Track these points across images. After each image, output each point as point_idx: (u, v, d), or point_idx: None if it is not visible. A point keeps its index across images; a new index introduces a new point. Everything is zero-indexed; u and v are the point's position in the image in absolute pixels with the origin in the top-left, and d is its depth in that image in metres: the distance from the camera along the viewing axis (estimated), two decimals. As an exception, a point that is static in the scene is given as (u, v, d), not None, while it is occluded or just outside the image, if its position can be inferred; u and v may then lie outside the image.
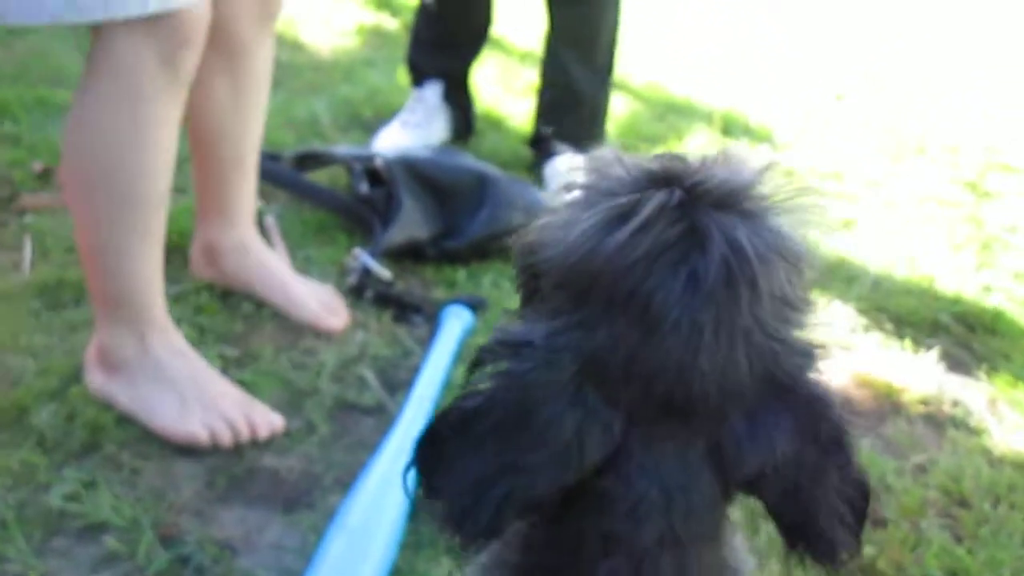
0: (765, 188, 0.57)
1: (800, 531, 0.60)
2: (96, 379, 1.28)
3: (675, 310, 0.54)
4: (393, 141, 2.05)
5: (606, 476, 0.57)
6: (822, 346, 0.59)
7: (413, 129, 2.09)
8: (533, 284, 0.61)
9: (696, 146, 2.29)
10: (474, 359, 0.59)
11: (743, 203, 0.56)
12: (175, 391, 1.25)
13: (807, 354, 0.58)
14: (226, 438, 1.23)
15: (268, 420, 1.27)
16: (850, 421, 0.60)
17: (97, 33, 1.11)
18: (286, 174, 1.84)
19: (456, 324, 1.49)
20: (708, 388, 0.55)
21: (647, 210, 0.54)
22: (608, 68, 2.06)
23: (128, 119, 1.13)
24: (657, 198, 0.54)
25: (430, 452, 0.58)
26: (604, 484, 0.57)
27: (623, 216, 0.55)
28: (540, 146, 2.09)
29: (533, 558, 0.62)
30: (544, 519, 0.60)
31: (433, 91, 2.13)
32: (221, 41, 1.33)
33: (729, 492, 0.60)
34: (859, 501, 0.61)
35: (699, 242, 0.54)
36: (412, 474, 0.59)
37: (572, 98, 2.04)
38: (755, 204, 0.56)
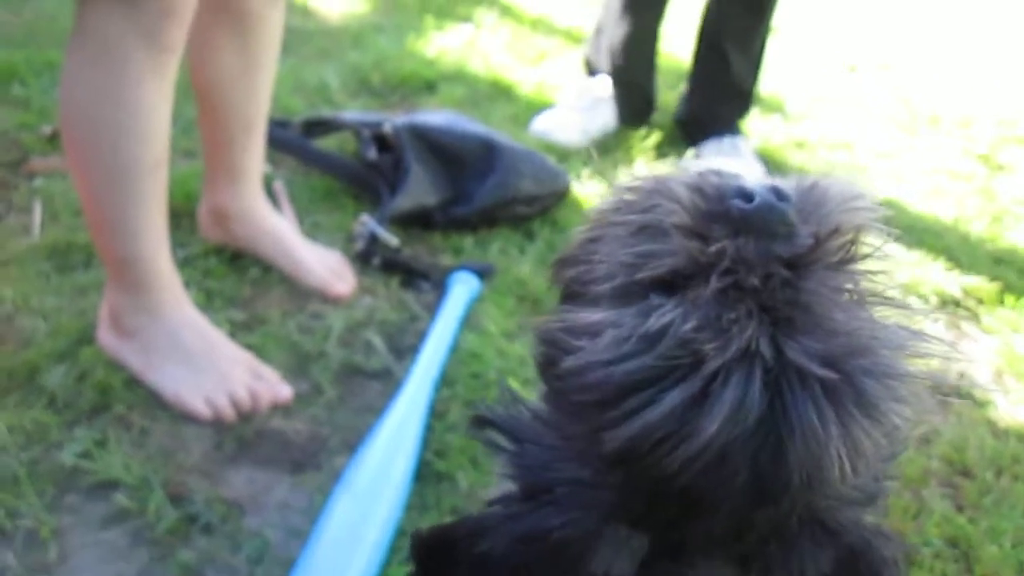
0: (858, 343, 0.46)
1: None
2: (107, 338, 1.30)
3: (728, 507, 0.47)
4: (556, 123, 2.07)
5: None
6: (884, 491, 0.54)
7: (580, 113, 2.11)
8: (553, 376, 0.52)
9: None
10: (476, 419, 0.55)
11: (834, 368, 0.45)
12: (185, 363, 1.26)
13: (868, 502, 0.54)
14: (229, 414, 1.24)
15: (275, 391, 1.27)
16: (897, 560, 0.55)
17: (80, 5, 1.09)
18: (294, 141, 1.84)
19: (463, 290, 1.50)
20: (752, 539, 0.51)
21: (723, 410, 0.44)
22: (762, 53, 2.09)
23: (114, 87, 1.12)
24: (733, 392, 0.44)
25: (440, 573, 0.56)
26: None
27: (695, 403, 0.45)
28: (690, 128, 2.13)
29: None
30: None
31: (602, 83, 2.14)
32: (230, 8, 1.32)
33: None
34: None
35: (775, 439, 0.45)
36: None
37: (730, 88, 2.09)
38: (856, 380, 0.45)
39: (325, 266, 1.51)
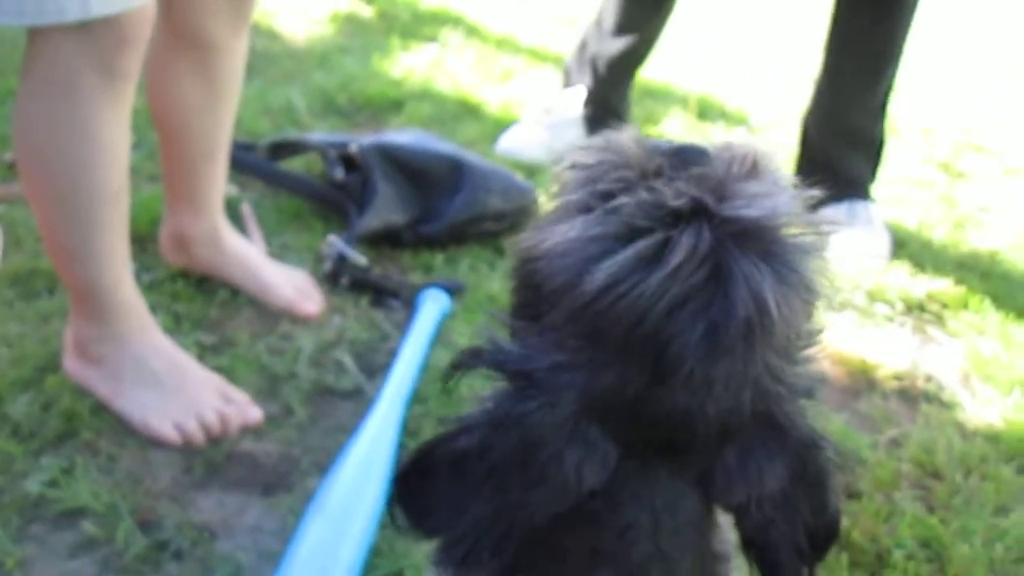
0: (793, 225, 0.54)
1: (760, 553, 0.62)
2: (73, 365, 1.28)
3: (690, 362, 0.52)
4: (522, 140, 2.06)
5: (597, 498, 0.57)
6: (822, 379, 0.60)
7: (546, 130, 2.07)
8: (531, 295, 0.58)
9: (672, 129, 2.30)
10: (456, 361, 0.57)
11: (771, 244, 0.53)
12: (153, 388, 1.24)
13: (807, 393, 0.58)
14: (198, 438, 1.23)
15: (244, 414, 1.26)
16: (838, 464, 0.60)
17: (31, 34, 1.08)
18: (260, 164, 1.83)
19: (433, 307, 1.49)
20: (709, 429, 0.55)
21: (676, 258, 0.51)
22: (888, 96, 1.86)
23: (68, 118, 1.10)
24: (686, 242, 0.51)
25: (416, 488, 0.57)
26: (595, 506, 0.57)
27: (649, 259, 0.51)
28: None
29: (516, 562, 0.60)
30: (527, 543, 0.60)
31: (576, 95, 2.11)
32: (192, 41, 1.31)
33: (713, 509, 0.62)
34: (824, 537, 0.62)
35: (723, 291, 0.51)
36: (397, 507, 0.58)
37: (850, 139, 1.87)
38: (782, 245, 0.53)
39: (292, 286, 1.50)
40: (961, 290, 1.74)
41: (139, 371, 1.25)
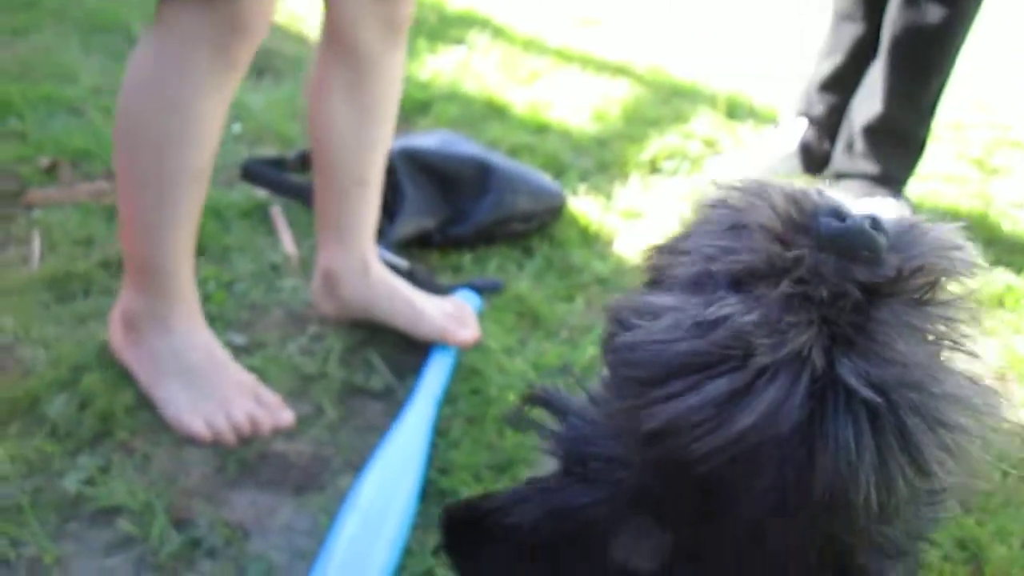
0: (925, 374, 0.46)
1: None
2: (116, 340, 1.30)
3: (747, 515, 0.47)
4: (735, 167, 2.02)
5: None
6: (928, 539, 0.53)
7: (764, 162, 2.04)
8: (608, 359, 0.53)
9: (701, 128, 2.28)
10: (528, 396, 0.57)
11: (882, 395, 0.45)
12: (188, 382, 1.26)
13: (892, 556, 0.51)
14: (228, 437, 1.24)
15: (275, 417, 1.26)
16: None
17: (159, 3, 1.11)
18: (287, 183, 1.80)
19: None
20: (768, 566, 0.50)
21: (757, 410, 0.44)
22: (937, 100, 1.85)
23: (172, 90, 1.13)
24: (774, 395, 0.44)
25: (468, 546, 0.57)
26: None
27: (726, 403, 0.45)
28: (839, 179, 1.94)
29: None
30: None
31: (796, 127, 2.05)
32: (345, 52, 1.27)
33: None
34: None
35: (806, 454, 0.44)
36: (449, 556, 0.58)
37: (894, 137, 1.87)
38: (893, 398, 0.45)
39: (443, 313, 1.44)
40: (996, 288, 1.71)
41: (177, 361, 1.26)
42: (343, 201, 1.37)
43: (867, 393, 0.44)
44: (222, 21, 1.08)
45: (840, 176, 1.95)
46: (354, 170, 1.35)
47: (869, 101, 1.88)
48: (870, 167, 1.90)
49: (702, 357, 0.46)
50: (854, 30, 1.93)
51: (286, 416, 1.27)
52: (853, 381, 0.44)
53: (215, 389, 1.26)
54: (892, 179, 1.90)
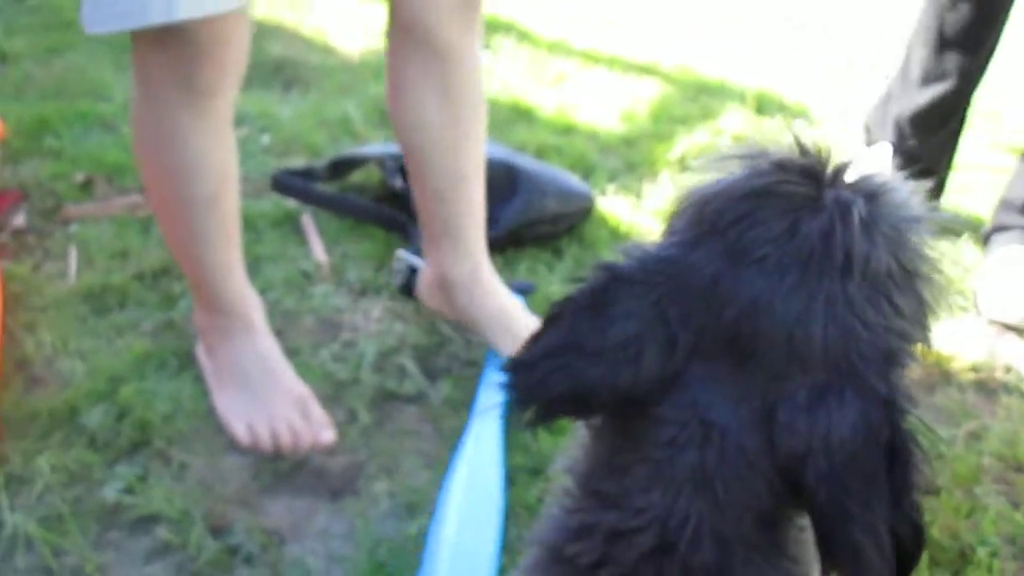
0: (904, 196, 0.59)
1: (833, 540, 0.55)
2: (199, 350, 1.36)
3: (766, 247, 0.55)
4: None
5: (661, 404, 0.57)
6: (916, 353, 0.58)
7: None
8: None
9: (730, 125, 2.26)
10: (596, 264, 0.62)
11: (876, 194, 0.57)
12: (240, 387, 1.28)
13: (893, 352, 0.56)
14: (267, 445, 1.24)
15: (317, 435, 1.25)
16: (926, 446, 0.56)
17: (131, 42, 1.12)
18: (317, 193, 1.80)
19: None
20: (776, 335, 0.55)
21: (779, 164, 0.57)
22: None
23: (155, 128, 1.15)
24: (796, 162, 0.58)
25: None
26: (658, 411, 0.58)
27: (756, 171, 0.58)
28: None
29: (594, 485, 0.62)
30: (606, 443, 0.62)
31: (880, 153, 1.88)
32: (419, 44, 1.22)
33: (776, 483, 0.56)
34: (908, 540, 0.55)
35: (814, 203, 0.56)
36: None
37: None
38: (887, 197, 0.57)
39: None
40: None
41: (235, 370, 1.29)
42: (444, 203, 1.31)
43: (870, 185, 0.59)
44: (178, 55, 1.06)
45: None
46: (450, 167, 1.29)
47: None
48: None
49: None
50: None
51: (327, 436, 1.26)
52: (860, 180, 0.58)
53: (263, 397, 1.27)
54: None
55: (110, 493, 1.18)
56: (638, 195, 1.92)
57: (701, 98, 2.43)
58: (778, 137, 0.61)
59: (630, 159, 2.08)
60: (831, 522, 0.55)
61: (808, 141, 0.60)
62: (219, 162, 1.19)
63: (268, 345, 1.32)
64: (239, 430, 1.25)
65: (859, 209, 0.55)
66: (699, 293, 0.57)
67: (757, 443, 0.56)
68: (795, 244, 0.55)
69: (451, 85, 1.24)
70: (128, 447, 1.25)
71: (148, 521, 1.15)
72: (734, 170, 0.59)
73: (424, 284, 1.43)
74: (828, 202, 0.56)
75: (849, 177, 0.58)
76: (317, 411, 1.28)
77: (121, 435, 1.27)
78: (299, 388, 1.30)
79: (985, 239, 1.77)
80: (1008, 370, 1.46)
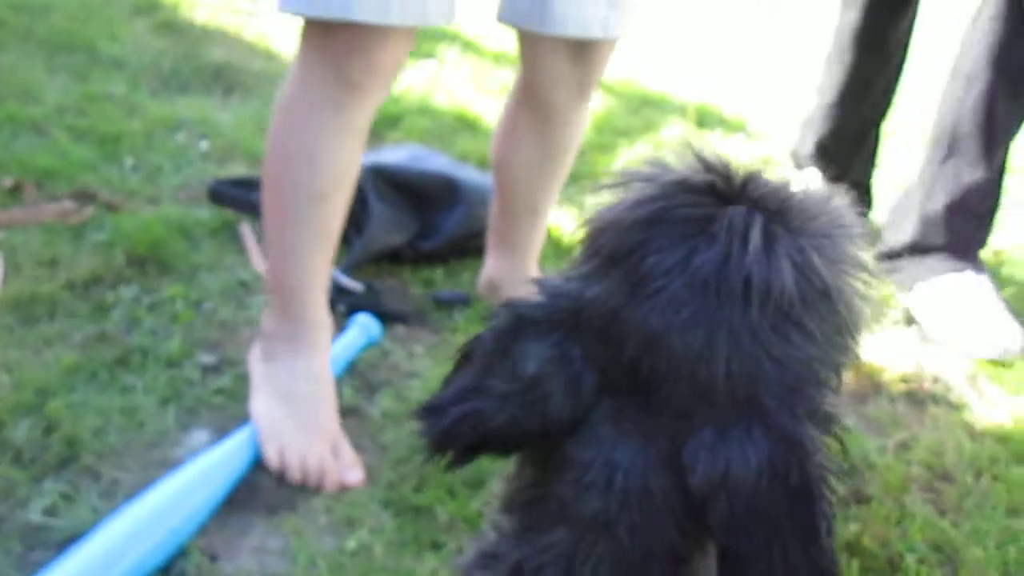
0: (814, 209, 0.55)
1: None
2: (252, 352, 1.34)
3: (660, 279, 0.52)
4: None
5: (570, 442, 0.57)
6: (834, 385, 0.55)
7: None
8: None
9: (671, 138, 2.30)
10: (505, 303, 0.62)
11: (782, 210, 0.54)
12: (284, 409, 1.25)
13: (804, 383, 0.53)
14: (294, 476, 1.21)
15: (343, 475, 1.22)
16: (829, 497, 0.53)
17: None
18: (256, 203, 1.76)
19: (358, 333, 1.46)
20: (679, 371, 0.52)
21: (678, 184, 0.55)
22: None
23: (293, 111, 1.17)
24: (695, 180, 0.55)
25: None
26: (567, 448, 0.57)
27: (647, 197, 0.56)
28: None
29: (516, 528, 0.61)
30: (526, 473, 0.61)
31: (810, 178, 1.90)
32: (536, 104, 1.38)
33: (688, 524, 0.55)
34: None
35: (711, 225, 0.53)
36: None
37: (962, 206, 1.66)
38: (795, 212, 0.54)
39: None
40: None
41: (286, 381, 1.26)
42: (517, 226, 1.51)
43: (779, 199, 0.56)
44: (345, 51, 1.10)
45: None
46: (530, 202, 1.49)
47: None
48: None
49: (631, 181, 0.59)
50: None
51: (353, 476, 1.22)
52: (767, 194, 0.56)
53: (303, 424, 1.24)
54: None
55: (35, 512, 1.14)
56: (580, 206, 1.93)
57: (643, 111, 2.47)
58: (680, 153, 0.58)
59: (573, 170, 2.09)
60: (730, 568, 0.54)
61: (711, 156, 0.57)
62: (343, 163, 1.19)
63: (325, 370, 1.29)
64: (270, 451, 1.22)
65: (757, 232, 0.52)
66: (600, 330, 0.55)
67: (665, 483, 0.54)
68: (690, 274, 0.52)
69: (554, 142, 1.42)
70: (56, 463, 1.21)
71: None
72: (628, 195, 0.57)
73: (483, 282, 1.59)
74: (724, 227, 0.52)
75: (755, 191, 0.55)
76: (347, 451, 1.24)
77: (48, 450, 1.23)
78: (334, 423, 1.27)
79: (897, 255, 1.71)
80: (936, 381, 1.50)
